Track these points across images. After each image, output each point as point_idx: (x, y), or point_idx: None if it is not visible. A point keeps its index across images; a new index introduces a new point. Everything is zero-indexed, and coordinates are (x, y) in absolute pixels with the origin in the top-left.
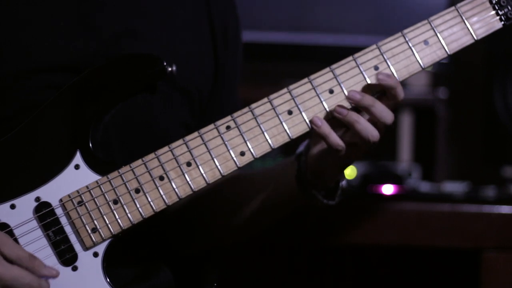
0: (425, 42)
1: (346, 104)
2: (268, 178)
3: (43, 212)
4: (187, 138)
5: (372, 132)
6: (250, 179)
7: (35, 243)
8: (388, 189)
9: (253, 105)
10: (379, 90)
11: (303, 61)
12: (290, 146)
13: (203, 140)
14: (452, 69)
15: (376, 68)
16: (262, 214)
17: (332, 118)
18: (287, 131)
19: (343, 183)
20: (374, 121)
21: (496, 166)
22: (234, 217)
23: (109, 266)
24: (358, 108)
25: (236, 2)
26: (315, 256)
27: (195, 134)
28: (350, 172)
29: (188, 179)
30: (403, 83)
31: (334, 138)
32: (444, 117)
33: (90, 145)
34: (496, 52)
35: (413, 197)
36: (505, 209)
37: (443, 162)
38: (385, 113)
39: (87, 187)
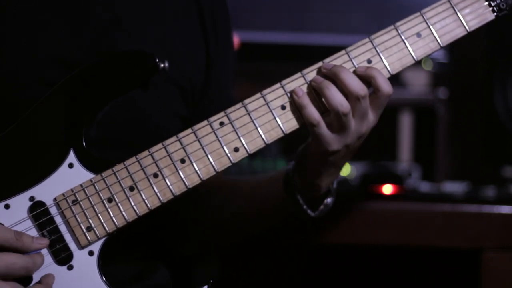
0: (418, 34)
1: None
2: (258, 183)
3: (38, 211)
4: (181, 135)
5: (341, 101)
6: (243, 183)
7: None
8: (388, 189)
9: (246, 101)
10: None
11: (303, 61)
12: (290, 147)
13: (196, 136)
14: (452, 69)
15: (369, 61)
16: (249, 219)
17: (324, 111)
18: (281, 126)
19: (329, 200)
20: (345, 91)
21: (496, 166)
22: (223, 220)
23: (105, 265)
24: (330, 76)
25: (236, 3)
26: (314, 256)
27: (189, 130)
28: (347, 170)
29: (182, 176)
30: (403, 83)
31: (311, 109)
32: (444, 117)
33: (84, 143)
34: (496, 52)
35: (413, 197)
36: (505, 209)
37: (443, 162)
38: (353, 82)
39: (81, 185)
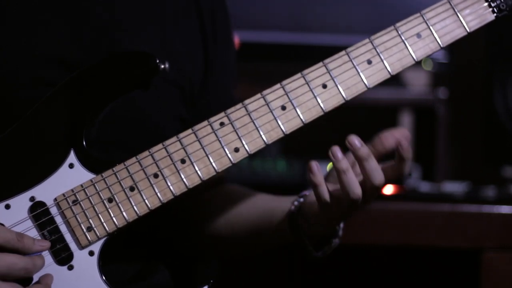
0: (418, 35)
1: None
2: (266, 205)
3: (38, 211)
4: (181, 135)
5: (354, 189)
6: (247, 202)
7: None
8: (388, 189)
9: (247, 101)
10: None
11: (303, 61)
12: (290, 148)
13: (197, 137)
14: (452, 69)
15: (369, 62)
16: (251, 237)
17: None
18: (281, 126)
19: (336, 241)
20: (364, 177)
21: (496, 166)
22: (221, 233)
23: (105, 265)
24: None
25: (236, 2)
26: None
27: (189, 131)
28: None
29: (182, 176)
30: (403, 83)
31: (323, 190)
32: (444, 117)
33: (84, 143)
34: (496, 52)
35: (413, 197)
36: (505, 209)
37: (443, 162)
38: (376, 173)
39: (81, 185)
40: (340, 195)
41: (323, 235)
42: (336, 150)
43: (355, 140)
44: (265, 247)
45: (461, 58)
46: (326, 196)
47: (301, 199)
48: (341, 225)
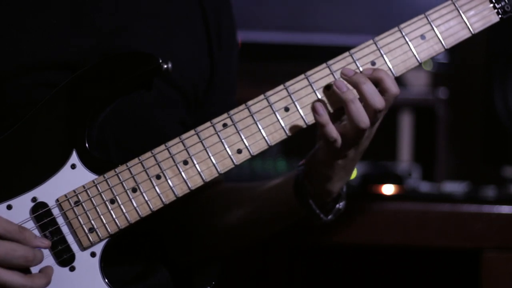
0: (422, 36)
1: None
2: (267, 190)
3: (40, 212)
4: (184, 136)
5: (363, 118)
6: (249, 189)
7: None
8: (388, 189)
9: (250, 102)
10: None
11: (303, 61)
12: (290, 148)
13: (199, 138)
14: (452, 69)
15: (373, 63)
16: (258, 225)
17: (331, 112)
18: (284, 128)
19: (341, 204)
20: (365, 103)
21: (496, 166)
22: (230, 226)
23: (107, 266)
24: (350, 84)
25: (236, 2)
26: (314, 256)
27: (192, 132)
28: (353, 173)
29: (185, 178)
30: (403, 83)
31: (331, 128)
32: (444, 117)
33: (86, 144)
34: (496, 52)
35: (413, 197)
36: (505, 209)
37: (443, 162)
38: (375, 96)
39: (83, 186)
40: (345, 129)
41: (329, 200)
42: (341, 83)
43: (349, 69)
44: (275, 227)
45: (461, 58)
46: (334, 133)
47: (301, 167)
48: (344, 189)
